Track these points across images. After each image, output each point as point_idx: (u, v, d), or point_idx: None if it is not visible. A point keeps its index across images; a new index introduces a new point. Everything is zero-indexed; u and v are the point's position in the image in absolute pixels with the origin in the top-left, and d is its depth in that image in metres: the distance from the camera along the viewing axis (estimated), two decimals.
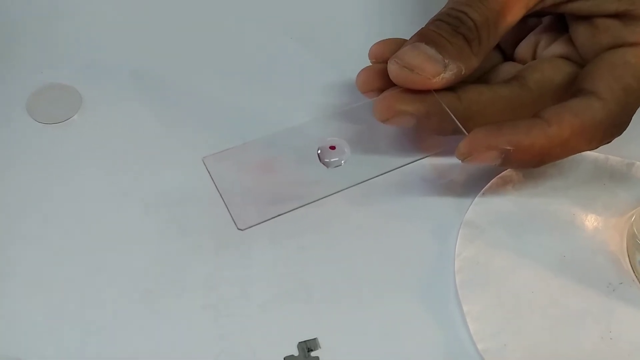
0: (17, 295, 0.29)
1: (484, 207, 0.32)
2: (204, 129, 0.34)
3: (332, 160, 0.29)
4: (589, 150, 0.31)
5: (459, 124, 0.30)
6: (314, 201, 0.28)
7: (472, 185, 0.33)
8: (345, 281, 0.30)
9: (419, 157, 0.31)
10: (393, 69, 0.30)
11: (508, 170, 0.33)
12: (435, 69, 0.29)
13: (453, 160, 0.33)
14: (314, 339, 0.28)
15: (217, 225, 0.30)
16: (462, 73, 0.30)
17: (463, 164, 0.32)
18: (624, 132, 0.31)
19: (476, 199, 0.33)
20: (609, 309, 0.30)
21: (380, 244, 0.31)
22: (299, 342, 0.28)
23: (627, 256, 0.31)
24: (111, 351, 0.28)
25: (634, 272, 0.31)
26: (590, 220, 0.32)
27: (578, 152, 0.31)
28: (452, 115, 0.30)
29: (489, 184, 0.33)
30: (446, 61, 0.29)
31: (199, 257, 0.30)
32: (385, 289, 0.30)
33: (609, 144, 0.31)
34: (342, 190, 0.29)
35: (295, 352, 0.28)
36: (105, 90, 0.35)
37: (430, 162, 0.34)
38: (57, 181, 0.32)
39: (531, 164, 0.31)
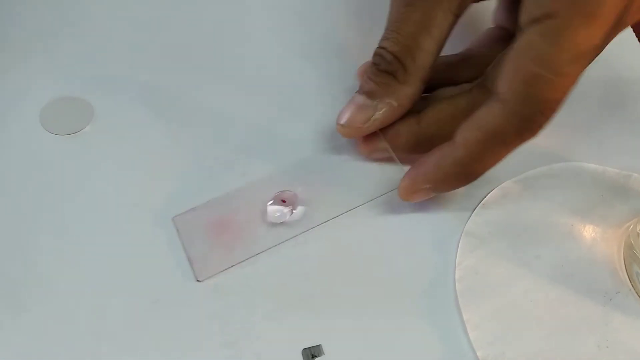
0: (30, 303, 0.30)
1: (484, 217, 0.33)
2: (213, 141, 0.35)
3: (279, 214, 0.32)
4: (520, 145, 0.29)
5: (399, 164, 0.33)
6: (260, 253, 0.31)
7: (473, 196, 0.34)
8: (347, 289, 0.31)
9: (370, 199, 0.33)
10: (337, 128, 0.33)
11: (507, 182, 0.34)
12: (362, 117, 0.32)
13: None
14: (318, 345, 0.29)
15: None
16: (397, 106, 0.32)
17: None
18: (621, 143, 0.31)
19: (476, 209, 0.33)
20: (606, 318, 0.30)
21: (382, 254, 0.32)
22: (303, 349, 0.29)
23: (624, 267, 0.32)
24: (120, 356, 0.29)
25: (631, 282, 0.31)
26: (588, 231, 0.33)
27: (505, 155, 0.30)
28: (393, 155, 0.33)
29: (488, 195, 0.34)
30: (375, 102, 0.32)
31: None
32: (386, 297, 0.31)
33: (607, 154, 0.31)
34: (285, 241, 0.32)
35: (300, 359, 0.29)
36: (117, 103, 0.36)
37: None
38: (69, 191, 0.33)
39: (462, 184, 0.31)
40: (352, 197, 0.33)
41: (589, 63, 0.29)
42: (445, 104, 0.33)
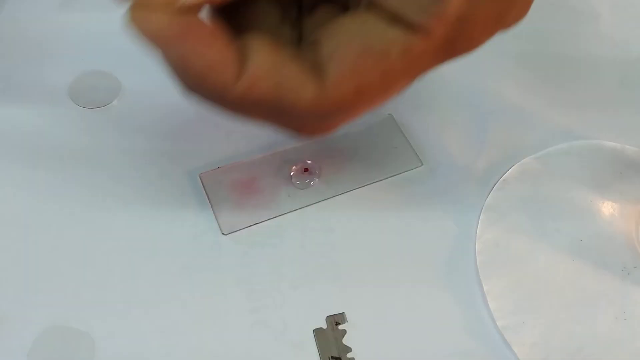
0: (60, 270, 0.31)
1: (505, 192, 0.34)
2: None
3: (304, 182, 0.34)
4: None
5: None
6: (284, 214, 0.33)
7: (493, 171, 0.34)
8: (371, 261, 0.32)
9: (378, 180, 0.34)
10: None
11: (527, 158, 0.35)
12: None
13: (476, 147, 0.35)
14: (342, 313, 0.30)
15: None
16: None
17: (485, 151, 0.34)
18: None
19: (497, 184, 0.34)
20: (624, 291, 0.31)
21: (404, 226, 0.33)
22: (327, 316, 0.30)
23: None
24: (149, 322, 0.29)
25: None
26: (607, 207, 0.33)
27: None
28: None
29: (509, 171, 0.34)
30: None
31: (233, 236, 0.32)
32: (409, 268, 0.31)
33: (626, 132, 0.32)
34: (308, 206, 0.33)
35: (324, 326, 0.30)
36: (143, 77, 0.37)
37: (454, 148, 0.35)
38: (97, 162, 0.34)
39: None
40: (373, 173, 0.34)
41: None
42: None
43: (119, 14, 0.39)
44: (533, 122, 0.36)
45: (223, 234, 0.32)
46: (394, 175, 0.34)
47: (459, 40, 0.23)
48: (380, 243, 0.32)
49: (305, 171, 0.34)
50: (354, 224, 0.33)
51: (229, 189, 0.33)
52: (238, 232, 0.32)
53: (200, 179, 0.33)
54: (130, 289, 0.30)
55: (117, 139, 0.35)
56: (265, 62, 0.22)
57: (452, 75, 0.35)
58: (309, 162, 0.34)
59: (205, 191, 0.33)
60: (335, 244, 0.32)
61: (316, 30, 0.23)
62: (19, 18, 0.39)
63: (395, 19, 0.22)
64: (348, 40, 0.22)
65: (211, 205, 0.32)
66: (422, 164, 0.34)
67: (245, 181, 0.33)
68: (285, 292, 0.30)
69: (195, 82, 0.22)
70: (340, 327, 0.30)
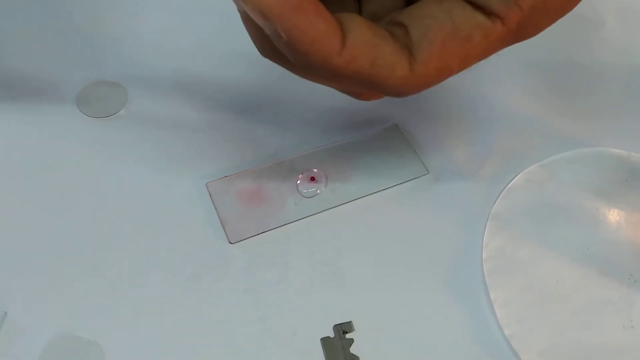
0: (69, 278, 0.31)
1: (511, 200, 0.34)
2: (245, 124, 0.36)
3: (309, 191, 0.34)
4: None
5: None
6: (290, 223, 0.33)
7: (499, 179, 0.34)
8: (377, 269, 0.32)
9: (384, 188, 0.34)
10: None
11: (533, 166, 0.35)
12: None
13: (482, 155, 0.35)
14: (349, 322, 0.30)
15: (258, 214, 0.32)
16: None
17: (491, 159, 0.34)
18: None
19: (502, 193, 0.34)
20: (631, 299, 0.31)
21: (411, 234, 0.33)
22: (335, 325, 0.30)
23: None
24: (158, 330, 0.30)
25: None
26: (613, 215, 0.33)
27: None
28: None
29: (515, 179, 0.34)
30: None
31: (240, 244, 0.32)
32: (415, 277, 0.31)
33: (631, 139, 0.32)
34: (314, 214, 0.33)
35: (331, 334, 0.30)
36: (150, 87, 0.37)
37: (459, 156, 0.35)
38: (104, 171, 0.34)
39: None
40: (380, 181, 0.34)
41: None
42: None
43: (127, 23, 0.40)
44: (538, 130, 0.36)
45: (230, 242, 0.32)
46: (400, 184, 0.34)
47: (529, 26, 0.25)
48: (387, 251, 0.32)
49: (311, 180, 0.34)
50: (360, 232, 0.33)
51: (235, 198, 0.33)
52: (245, 240, 0.32)
53: (207, 188, 0.33)
54: (138, 298, 0.30)
55: (124, 148, 0.35)
56: (364, 39, 0.24)
57: (457, 83, 0.35)
58: (315, 170, 0.34)
59: (212, 200, 0.33)
60: (341, 252, 0.32)
61: (393, 13, 0.26)
62: (27, 27, 0.40)
63: (479, 7, 0.24)
64: (438, 24, 0.24)
65: (218, 214, 0.33)
66: (428, 172, 0.34)
67: (252, 190, 0.34)
68: (293, 300, 0.30)
69: (302, 51, 0.23)
70: (348, 335, 0.30)
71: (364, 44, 0.24)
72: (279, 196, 0.33)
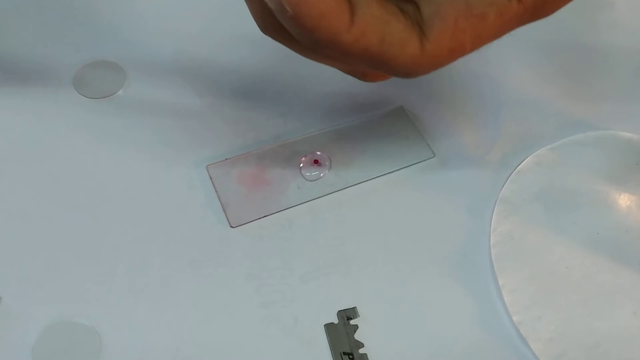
0: (65, 263, 0.30)
1: (519, 184, 0.33)
2: (246, 107, 0.35)
3: (313, 174, 0.33)
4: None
5: None
6: (293, 206, 0.32)
7: (507, 163, 0.34)
8: (383, 254, 0.31)
9: (389, 171, 0.33)
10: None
11: (542, 149, 0.34)
12: None
13: (490, 138, 0.34)
14: (353, 308, 0.29)
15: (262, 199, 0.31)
16: None
17: (499, 142, 0.34)
18: None
19: (511, 176, 0.33)
20: None
21: (417, 219, 0.32)
22: (339, 311, 0.29)
23: None
24: (157, 317, 0.29)
25: None
26: (623, 199, 0.33)
27: None
28: None
29: (523, 162, 0.34)
30: None
31: (242, 229, 0.31)
32: (422, 262, 0.31)
33: None
34: (317, 198, 0.32)
35: (335, 320, 0.29)
36: (149, 68, 0.36)
37: (467, 140, 0.34)
38: (102, 152, 0.33)
39: None
40: (385, 164, 0.33)
41: None
42: None
43: (126, 3, 0.39)
44: (547, 113, 0.35)
45: (231, 227, 0.31)
46: (405, 167, 0.33)
47: (546, 4, 0.25)
48: (392, 236, 0.31)
49: (315, 163, 0.33)
50: (365, 217, 0.32)
51: (236, 181, 0.32)
52: (246, 225, 0.31)
53: (208, 171, 0.32)
54: (137, 284, 0.30)
55: (121, 130, 0.34)
56: (373, 16, 0.23)
57: (464, 65, 0.34)
58: (318, 153, 0.33)
59: (213, 183, 0.32)
60: (346, 237, 0.31)
61: None
62: (23, 7, 0.39)
63: None
64: (451, 1, 0.23)
65: (219, 198, 0.32)
66: (435, 156, 0.34)
67: (254, 173, 0.33)
68: (296, 286, 0.30)
69: (309, 27, 0.22)
70: (352, 322, 0.29)
71: (373, 20, 0.23)
72: (282, 179, 0.33)
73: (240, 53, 0.37)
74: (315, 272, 0.30)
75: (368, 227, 0.32)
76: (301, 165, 0.33)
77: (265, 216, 0.32)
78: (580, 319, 0.29)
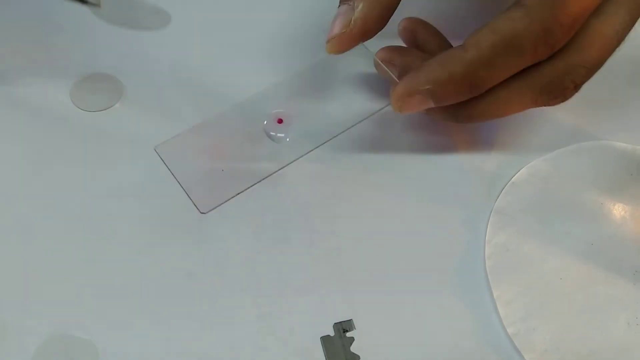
0: (65, 275, 0.30)
1: (514, 196, 0.33)
2: (242, 117, 0.35)
3: (278, 135, 0.30)
4: (528, 65, 0.29)
5: (391, 74, 0.30)
6: (269, 176, 0.29)
7: (502, 174, 0.34)
8: (378, 266, 0.31)
9: (366, 117, 0.31)
10: (326, 50, 0.29)
11: (537, 160, 0.34)
12: (342, 22, 0.29)
13: (484, 149, 0.35)
14: (349, 320, 0.30)
15: (256, 210, 0.32)
16: None
17: (494, 153, 0.33)
18: None
19: (506, 187, 0.33)
20: (636, 296, 0.30)
21: (412, 231, 0.32)
22: (335, 323, 0.29)
23: None
24: (156, 329, 0.29)
25: None
26: (618, 210, 0.33)
27: (515, 70, 0.29)
28: (381, 64, 0.30)
29: (518, 174, 0.34)
30: (351, 3, 0.29)
31: (237, 241, 0.31)
32: (417, 274, 0.31)
33: (636, 132, 0.32)
34: (294, 160, 0.29)
35: (331, 333, 0.29)
36: (146, 80, 0.36)
37: (462, 151, 0.34)
38: (99, 166, 0.33)
39: (463, 94, 0.29)
40: (351, 114, 0.32)
41: None
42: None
43: (121, 16, 0.39)
44: (541, 123, 0.36)
45: (201, 212, 0.29)
46: (379, 111, 0.31)
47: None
48: (388, 248, 0.32)
49: (279, 122, 0.30)
50: (360, 229, 0.32)
51: (193, 158, 0.29)
52: (220, 207, 0.30)
53: (157, 152, 0.29)
54: (133, 296, 0.30)
55: (119, 142, 0.34)
56: None
57: None
58: (280, 110, 0.30)
59: (167, 166, 0.29)
60: (341, 249, 0.31)
61: None
62: (21, 20, 0.39)
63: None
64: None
65: (178, 181, 0.29)
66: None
67: (211, 146, 0.29)
68: (292, 298, 0.30)
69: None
70: (348, 334, 0.29)
71: None
72: (245, 147, 0.29)
73: (237, 64, 0.37)
74: (311, 284, 0.30)
75: (363, 239, 0.32)
76: (265, 125, 0.30)
77: (239, 194, 0.29)
78: (574, 329, 0.30)
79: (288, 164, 0.30)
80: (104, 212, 0.32)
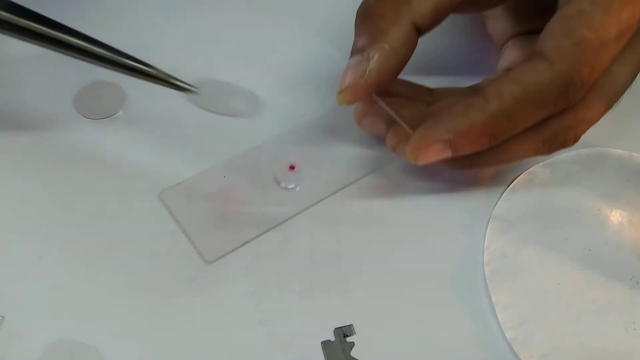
0: (69, 280, 0.31)
1: (512, 202, 0.33)
2: (243, 124, 0.35)
3: (289, 186, 0.29)
4: (544, 117, 0.29)
5: (402, 123, 0.30)
6: (279, 224, 0.29)
7: (501, 180, 0.34)
8: (379, 271, 0.31)
9: (376, 169, 0.32)
10: (336, 100, 0.29)
11: (535, 166, 0.35)
12: (357, 73, 0.28)
13: None
14: (350, 325, 0.30)
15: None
16: (389, 49, 0.28)
17: None
18: None
19: (504, 194, 0.34)
20: (634, 301, 0.31)
21: (412, 237, 0.32)
22: (335, 328, 0.30)
23: None
24: (159, 334, 0.29)
25: None
26: (615, 216, 0.33)
27: (533, 122, 0.29)
28: (394, 114, 0.30)
29: (516, 180, 0.34)
30: (366, 53, 0.28)
31: (240, 247, 0.31)
32: (417, 279, 0.31)
33: (633, 139, 0.32)
34: (304, 210, 0.29)
35: (332, 338, 0.29)
36: (148, 88, 0.36)
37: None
38: (102, 173, 0.34)
39: (482, 144, 0.29)
40: (360, 167, 0.32)
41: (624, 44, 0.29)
42: (458, 99, 0.31)
43: (125, 23, 0.39)
44: None
45: (206, 262, 0.30)
46: (388, 165, 0.32)
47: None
48: (388, 253, 0.32)
49: (291, 169, 0.29)
50: (360, 235, 0.32)
51: (200, 205, 0.28)
52: (225, 257, 0.30)
53: (161, 199, 0.29)
54: (137, 301, 0.30)
55: (122, 150, 0.35)
56: None
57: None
58: (292, 157, 0.30)
59: (171, 213, 0.28)
60: (342, 255, 0.32)
61: None
62: None
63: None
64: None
65: (182, 230, 0.29)
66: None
67: (219, 193, 0.29)
68: (293, 302, 0.30)
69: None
70: (349, 339, 0.29)
71: None
72: (255, 195, 0.28)
73: (239, 72, 0.37)
74: (312, 289, 0.31)
75: (363, 245, 0.32)
76: (276, 170, 0.29)
77: (246, 243, 0.30)
78: (573, 334, 0.30)
79: (299, 213, 0.30)
80: (107, 218, 0.32)
